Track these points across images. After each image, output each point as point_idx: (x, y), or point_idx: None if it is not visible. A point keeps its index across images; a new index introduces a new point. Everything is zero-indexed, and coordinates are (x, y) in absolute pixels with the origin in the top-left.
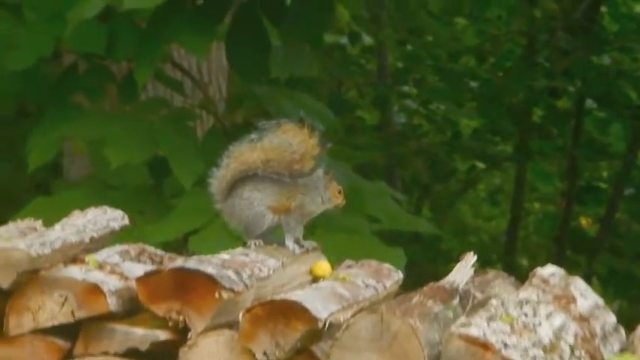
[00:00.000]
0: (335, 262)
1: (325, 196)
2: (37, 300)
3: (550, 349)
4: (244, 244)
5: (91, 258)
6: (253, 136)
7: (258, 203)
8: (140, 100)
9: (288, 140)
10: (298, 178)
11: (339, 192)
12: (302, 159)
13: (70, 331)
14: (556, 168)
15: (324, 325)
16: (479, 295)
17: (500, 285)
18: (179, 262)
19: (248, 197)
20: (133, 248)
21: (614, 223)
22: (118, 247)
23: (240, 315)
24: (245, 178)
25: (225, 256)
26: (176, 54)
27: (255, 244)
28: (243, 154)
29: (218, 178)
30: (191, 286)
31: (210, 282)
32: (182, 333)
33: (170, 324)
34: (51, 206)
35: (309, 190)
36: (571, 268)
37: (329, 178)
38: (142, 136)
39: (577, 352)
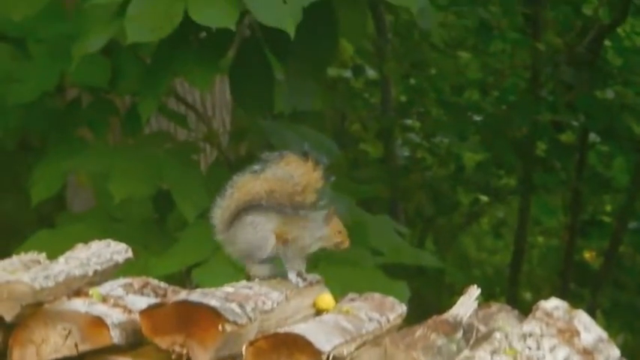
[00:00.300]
0: (338, 295)
1: (323, 232)
2: (41, 333)
3: None
4: (248, 278)
5: (95, 291)
6: (256, 167)
7: (261, 228)
8: (144, 134)
9: (291, 172)
10: (300, 210)
11: (339, 232)
12: (304, 191)
13: None
14: (560, 201)
15: (328, 358)
16: (482, 329)
17: (504, 318)
18: (183, 294)
19: (252, 222)
20: (136, 281)
21: (618, 256)
22: (122, 280)
23: (244, 348)
24: (249, 207)
25: (228, 289)
26: (180, 87)
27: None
28: (247, 184)
29: (222, 208)
30: (194, 318)
31: (214, 315)
32: None
33: (174, 357)
34: (55, 239)
35: (308, 223)
36: (575, 302)
37: (330, 214)
38: (145, 169)
39: None
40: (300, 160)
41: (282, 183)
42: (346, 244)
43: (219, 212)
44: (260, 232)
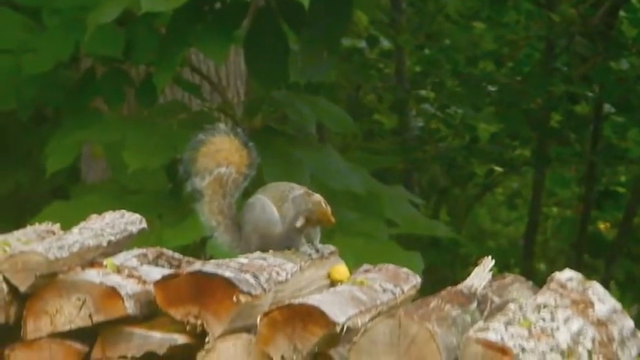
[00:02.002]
0: (353, 266)
1: (308, 206)
2: (55, 303)
3: (568, 353)
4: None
5: (109, 261)
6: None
7: (268, 204)
8: (158, 104)
9: (216, 163)
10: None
11: (324, 203)
12: (238, 172)
13: (87, 335)
14: (574, 173)
15: (342, 329)
16: (496, 300)
17: (518, 289)
18: (197, 265)
19: (257, 200)
20: (150, 252)
21: (632, 227)
22: (136, 251)
23: (258, 319)
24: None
25: (243, 259)
26: (194, 58)
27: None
28: (212, 203)
29: (228, 232)
30: (209, 290)
31: (228, 286)
32: (200, 337)
33: (188, 328)
34: (69, 210)
35: (287, 201)
36: (589, 273)
37: (306, 193)
38: (160, 140)
39: (595, 357)
40: (223, 141)
41: (222, 183)
42: (328, 217)
43: (228, 235)
44: (268, 209)
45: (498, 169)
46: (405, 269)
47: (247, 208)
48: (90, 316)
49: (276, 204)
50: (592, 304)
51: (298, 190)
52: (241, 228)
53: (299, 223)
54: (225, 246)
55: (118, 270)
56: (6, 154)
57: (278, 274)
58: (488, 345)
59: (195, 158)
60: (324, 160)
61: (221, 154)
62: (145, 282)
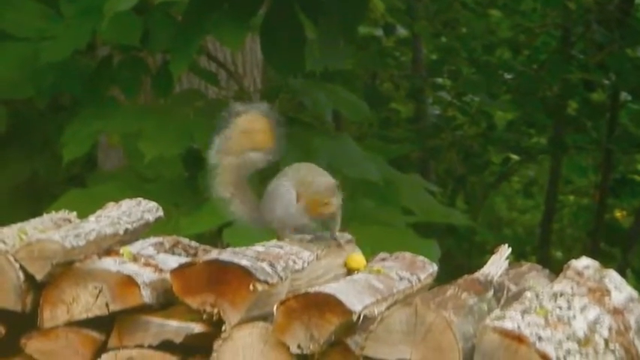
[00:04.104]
0: (369, 254)
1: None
2: (72, 292)
3: (584, 342)
4: (278, 237)
5: (126, 250)
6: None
7: (287, 188)
8: (175, 93)
9: (253, 147)
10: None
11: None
12: (265, 150)
13: (104, 324)
14: (591, 160)
15: (359, 317)
16: (513, 288)
17: (535, 277)
18: (213, 254)
19: (282, 187)
20: (167, 240)
21: None
22: (153, 239)
23: (275, 307)
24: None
25: (259, 248)
26: (211, 46)
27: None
28: (225, 175)
29: (244, 204)
30: (225, 278)
31: (245, 274)
32: (216, 325)
33: (204, 316)
34: (85, 198)
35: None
36: (605, 261)
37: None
38: (176, 128)
39: (611, 345)
40: (253, 120)
41: (244, 168)
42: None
43: (247, 209)
44: (287, 194)
45: (515, 157)
46: (421, 257)
47: (269, 195)
48: (107, 304)
49: (299, 189)
50: (609, 293)
51: (322, 175)
52: (261, 205)
53: (306, 219)
54: (244, 218)
55: (135, 258)
56: (23, 142)
57: (295, 262)
58: (505, 333)
59: (230, 136)
60: (341, 149)
61: (258, 136)
62: (161, 270)
